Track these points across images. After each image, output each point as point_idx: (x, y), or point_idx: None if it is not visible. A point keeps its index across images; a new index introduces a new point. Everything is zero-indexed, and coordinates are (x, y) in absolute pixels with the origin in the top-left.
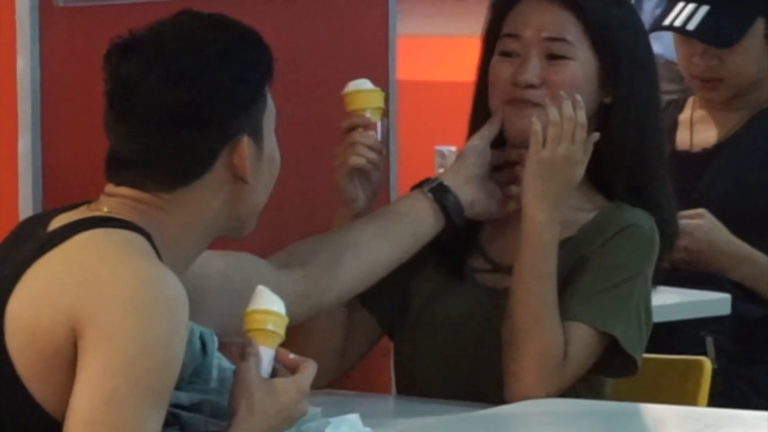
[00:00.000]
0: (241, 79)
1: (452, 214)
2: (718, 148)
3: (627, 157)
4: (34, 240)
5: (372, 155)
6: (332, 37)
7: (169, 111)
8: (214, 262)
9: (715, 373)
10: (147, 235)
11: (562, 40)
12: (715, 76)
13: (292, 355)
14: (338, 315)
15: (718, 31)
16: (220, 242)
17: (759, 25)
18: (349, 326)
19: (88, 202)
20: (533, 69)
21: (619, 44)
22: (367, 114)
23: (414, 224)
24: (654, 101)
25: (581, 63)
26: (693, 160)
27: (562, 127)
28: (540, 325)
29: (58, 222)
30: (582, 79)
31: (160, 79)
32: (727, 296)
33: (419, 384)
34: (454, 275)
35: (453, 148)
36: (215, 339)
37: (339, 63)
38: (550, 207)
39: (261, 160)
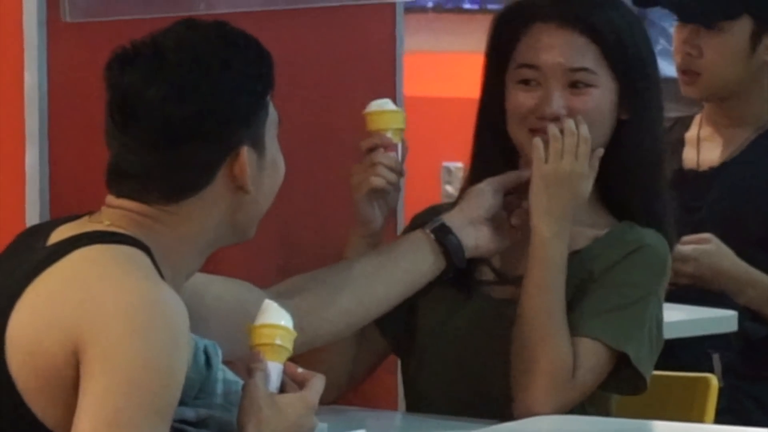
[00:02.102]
0: (242, 92)
1: (453, 256)
2: (725, 166)
3: (640, 174)
4: (34, 253)
5: (392, 176)
6: (340, 53)
7: (169, 124)
8: (211, 287)
9: (722, 390)
10: (147, 249)
11: (585, 69)
12: (693, 68)
13: (300, 370)
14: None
15: (700, 10)
16: (232, 251)
17: (745, 23)
18: (358, 342)
19: (89, 213)
20: (558, 101)
21: (635, 65)
22: (389, 134)
23: (414, 265)
24: (662, 118)
25: (603, 89)
26: (699, 179)
27: (563, 142)
28: (548, 340)
29: (59, 234)
30: (604, 105)
31: (160, 92)
32: (733, 313)
33: (427, 399)
34: (460, 288)
35: (460, 165)
36: (219, 351)
37: (346, 78)
38: (556, 222)
39: (263, 168)
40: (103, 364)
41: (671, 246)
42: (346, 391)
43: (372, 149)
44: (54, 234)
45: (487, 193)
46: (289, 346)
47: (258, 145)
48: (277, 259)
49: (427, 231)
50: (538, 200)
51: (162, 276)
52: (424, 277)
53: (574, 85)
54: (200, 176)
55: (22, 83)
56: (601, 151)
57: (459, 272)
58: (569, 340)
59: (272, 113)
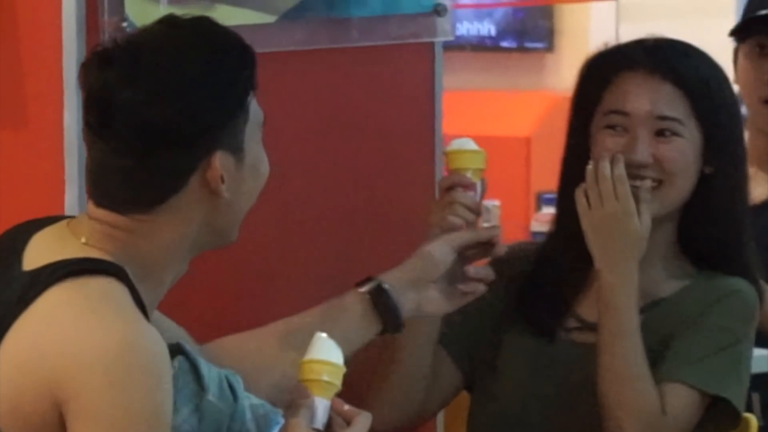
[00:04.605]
0: (221, 97)
1: (387, 320)
2: None
3: (725, 228)
4: (11, 281)
5: (470, 216)
6: (379, 92)
7: (143, 129)
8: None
9: (761, 430)
10: (123, 273)
11: (674, 119)
12: None
13: (347, 407)
14: (423, 359)
15: None
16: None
17: None
18: (433, 373)
19: (70, 217)
20: (645, 149)
21: (722, 118)
22: (468, 174)
23: (349, 326)
24: (746, 170)
25: (688, 139)
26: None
27: (600, 188)
28: (630, 385)
29: (35, 250)
30: (689, 155)
31: (135, 95)
32: None
33: None
34: (543, 334)
35: (497, 203)
36: (239, 378)
37: (386, 117)
38: (617, 265)
39: (242, 171)
40: (86, 421)
41: (759, 293)
42: (418, 422)
43: (451, 188)
44: (31, 247)
45: (436, 255)
46: (338, 382)
47: (236, 149)
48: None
49: (364, 291)
50: (593, 248)
51: (141, 299)
52: (359, 340)
53: (660, 134)
54: (173, 182)
55: (62, 123)
56: (648, 183)
57: (542, 318)
58: (651, 382)
59: (255, 115)
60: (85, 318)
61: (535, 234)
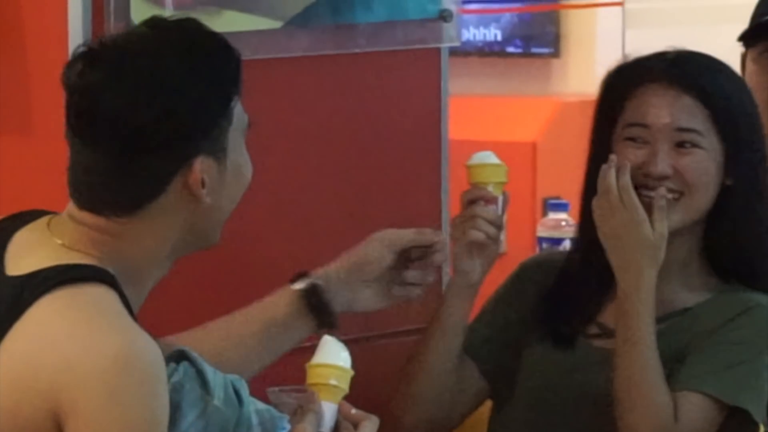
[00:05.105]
0: (203, 101)
1: (321, 317)
2: None
3: (746, 240)
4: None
5: (492, 230)
6: (385, 97)
7: (124, 132)
8: None
9: None
10: (111, 278)
11: (693, 131)
12: None
13: (354, 410)
14: (448, 365)
15: None
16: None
17: None
18: (458, 380)
19: (52, 214)
20: (665, 160)
21: (742, 130)
22: (490, 188)
23: (279, 325)
24: (767, 182)
25: (709, 151)
26: None
27: (608, 199)
28: (642, 390)
29: (17, 252)
30: (710, 167)
31: (117, 98)
32: None
33: None
34: (563, 339)
35: None
36: (245, 384)
37: (392, 122)
38: (633, 274)
39: (224, 175)
40: None
41: None
42: (443, 430)
43: (472, 202)
44: (12, 249)
45: (373, 256)
46: (345, 385)
47: (218, 154)
48: None
49: (299, 289)
50: (611, 259)
51: (129, 304)
52: (295, 337)
53: (681, 145)
54: (154, 186)
55: None
56: (662, 190)
57: (563, 326)
58: (665, 389)
59: (238, 118)
60: (80, 330)
61: (541, 239)
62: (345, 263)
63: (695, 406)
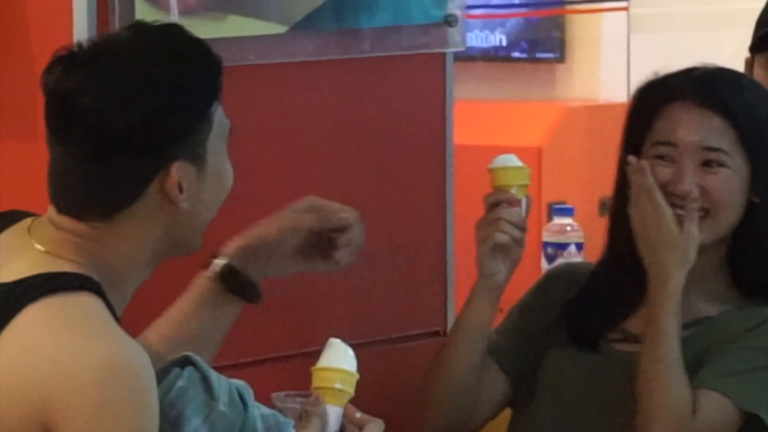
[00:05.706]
0: (183, 107)
1: (246, 294)
2: None
3: None
4: None
5: (516, 232)
6: (390, 102)
7: (102, 135)
8: None
9: None
10: (96, 285)
11: (720, 150)
12: None
13: (359, 414)
14: (472, 366)
15: None
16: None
17: None
18: (481, 383)
19: (33, 216)
20: (691, 179)
21: None
22: (513, 190)
23: (208, 311)
24: None
25: (735, 170)
26: None
27: (634, 195)
28: (662, 382)
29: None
30: (735, 185)
31: (95, 101)
32: None
33: None
34: (585, 343)
35: None
36: (250, 390)
37: (397, 127)
38: (654, 275)
39: (203, 181)
40: None
41: None
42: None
43: (496, 205)
44: None
45: (271, 241)
46: (350, 389)
47: (197, 159)
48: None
49: (216, 277)
50: (641, 250)
51: (114, 311)
52: (227, 321)
53: (707, 164)
54: (131, 190)
55: None
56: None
57: (587, 331)
58: (686, 382)
59: (219, 124)
60: (69, 339)
61: (546, 244)
62: (253, 241)
63: (714, 404)
